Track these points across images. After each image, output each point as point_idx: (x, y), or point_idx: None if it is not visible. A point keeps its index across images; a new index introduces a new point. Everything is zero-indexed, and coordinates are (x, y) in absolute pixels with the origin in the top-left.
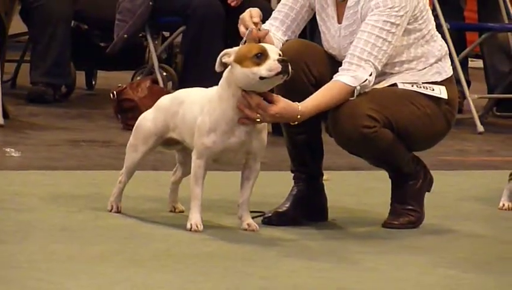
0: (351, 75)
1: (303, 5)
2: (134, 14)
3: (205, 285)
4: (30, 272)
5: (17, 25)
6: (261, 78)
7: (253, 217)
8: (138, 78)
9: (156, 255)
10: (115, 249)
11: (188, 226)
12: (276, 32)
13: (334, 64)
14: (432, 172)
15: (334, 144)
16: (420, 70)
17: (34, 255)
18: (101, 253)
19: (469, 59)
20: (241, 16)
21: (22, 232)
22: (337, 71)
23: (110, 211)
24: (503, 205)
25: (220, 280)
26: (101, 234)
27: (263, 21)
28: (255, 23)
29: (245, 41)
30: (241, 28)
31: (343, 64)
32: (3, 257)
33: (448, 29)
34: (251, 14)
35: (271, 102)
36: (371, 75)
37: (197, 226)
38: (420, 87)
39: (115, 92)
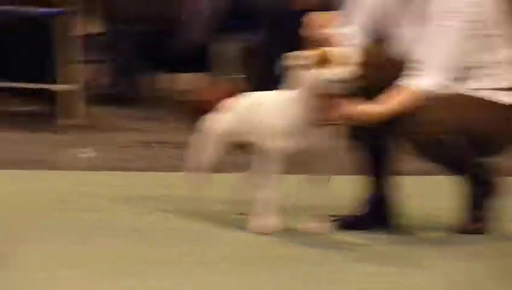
0: (423, 80)
1: (374, 9)
2: (204, 16)
3: (273, 289)
4: (99, 272)
5: (94, 26)
6: (334, 81)
7: (324, 221)
8: (210, 80)
9: (225, 258)
10: (184, 251)
11: (258, 229)
12: (349, 35)
13: (404, 68)
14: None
15: (406, 149)
16: (491, 75)
17: (103, 255)
18: (170, 255)
19: None
20: (309, 19)
21: (92, 233)
22: (407, 76)
23: (180, 212)
24: None
25: (288, 283)
26: (170, 236)
27: (333, 25)
28: (324, 27)
29: (314, 45)
30: (309, 32)
31: (414, 68)
32: (75, 257)
33: None
34: (322, 19)
35: (345, 104)
36: (441, 80)
37: (267, 229)
38: (492, 93)
39: (186, 94)
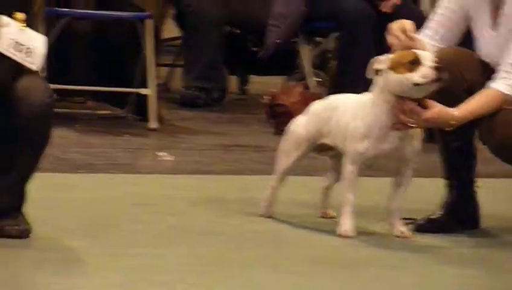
0: (507, 84)
1: (458, 13)
2: (287, 19)
3: None
4: (181, 276)
5: (170, 29)
6: (415, 84)
7: (405, 224)
8: (290, 83)
9: (306, 261)
10: (264, 254)
11: (339, 232)
12: (430, 41)
13: (488, 71)
14: None
15: (487, 151)
16: None
17: (185, 259)
18: (251, 258)
19: None
20: (389, 26)
21: (174, 236)
22: (492, 79)
23: (261, 216)
24: None
25: (370, 287)
26: (251, 239)
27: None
28: (405, 33)
29: (397, 49)
30: (389, 38)
31: (498, 72)
32: (155, 260)
33: None
34: (404, 27)
35: (425, 107)
36: None
37: (348, 233)
38: None
39: (267, 97)
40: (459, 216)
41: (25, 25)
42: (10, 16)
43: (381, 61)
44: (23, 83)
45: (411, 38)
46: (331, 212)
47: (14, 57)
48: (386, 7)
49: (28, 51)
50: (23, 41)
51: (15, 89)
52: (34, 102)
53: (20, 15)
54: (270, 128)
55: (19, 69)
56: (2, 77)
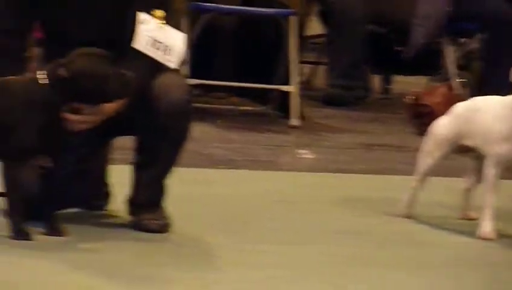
0: None
1: None
2: (432, 19)
3: None
4: (316, 274)
5: (315, 27)
6: None
7: None
8: (434, 83)
9: (446, 262)
10: (402, 255)
11: (480, 234)
12: None
13: None
14: None
15: None
16: None
17: (319, 257)
18: (388, 258)
19: None
20: None
21: (312, 234)
22: None
23: (401, 216)
24: None
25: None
26: (389, 239)
27: None
28: None
29: None
30: None
31: None
32: (292, 257)
33: None
34: None
35: None
36: None
37: (489, 235)
38: None
39: (410, 97)
40: None
41: (164, 22)
42: (149, 13)
43: None
44: (162, 80)
45: None
46: (472, 214)
47: (151, 55)
48: None
49: (166, 49)
50: (161, 39)
51: (154, 87)
52: (173, 99)
53: (159, 12)
54: (412, 129)
55: (157, 67)
56: (140, 75)
